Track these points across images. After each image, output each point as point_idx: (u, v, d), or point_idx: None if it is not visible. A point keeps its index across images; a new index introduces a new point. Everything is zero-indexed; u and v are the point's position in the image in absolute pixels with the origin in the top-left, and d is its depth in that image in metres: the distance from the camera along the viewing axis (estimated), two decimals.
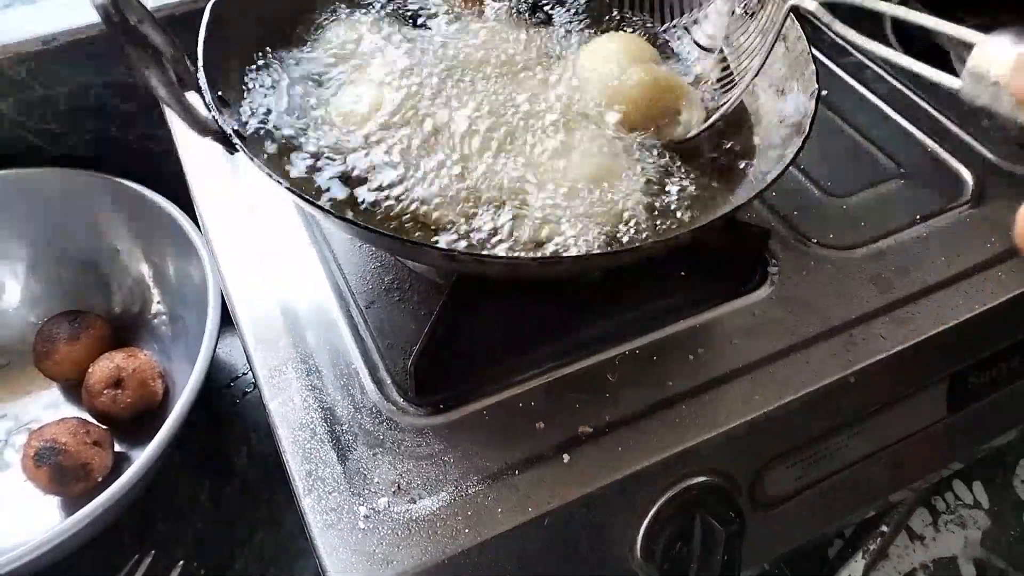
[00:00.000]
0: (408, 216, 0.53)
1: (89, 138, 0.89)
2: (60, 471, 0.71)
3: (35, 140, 0.87)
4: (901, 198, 0.71)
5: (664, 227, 0.55)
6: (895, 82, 0.82)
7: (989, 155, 0.75)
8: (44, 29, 0.81)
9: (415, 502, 0.50)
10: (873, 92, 0.81)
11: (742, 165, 0.60)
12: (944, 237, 0.68)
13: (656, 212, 0.55)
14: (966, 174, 0.73)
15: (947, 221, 0.69)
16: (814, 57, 0.82)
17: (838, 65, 0.84)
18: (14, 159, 0.86)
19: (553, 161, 0.56)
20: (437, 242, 0.51)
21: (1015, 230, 0.32)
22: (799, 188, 0.71)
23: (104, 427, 0.76)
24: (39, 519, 0.73)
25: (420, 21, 0.67)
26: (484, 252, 0.49)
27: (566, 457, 0.53)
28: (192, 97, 0.51)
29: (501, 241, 0.52)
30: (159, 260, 0.86)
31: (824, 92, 0.80)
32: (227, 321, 0.66)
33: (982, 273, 0.65)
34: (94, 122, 0.88)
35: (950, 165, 0.74)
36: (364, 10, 0.67)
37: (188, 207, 0.74)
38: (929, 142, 0.76)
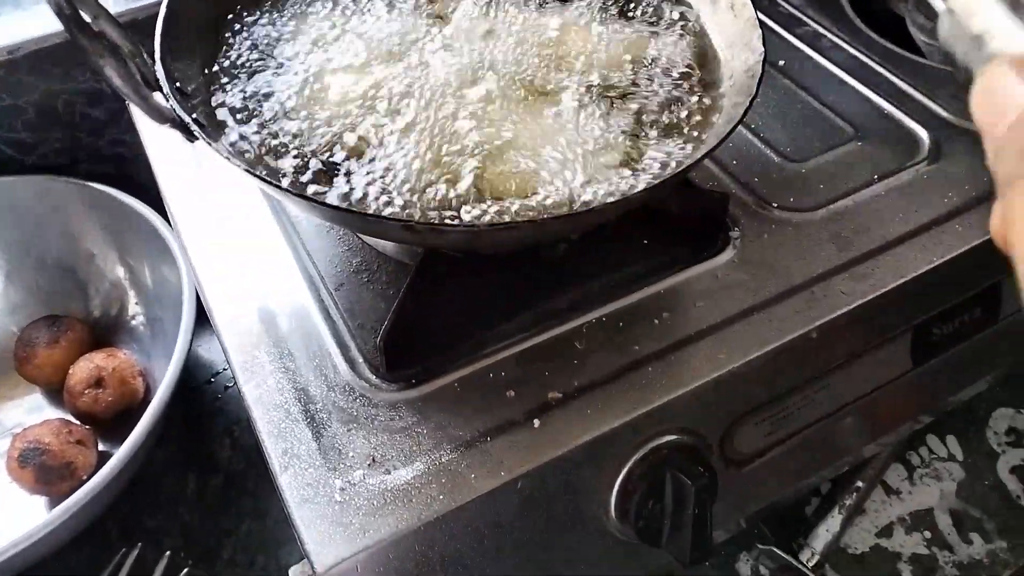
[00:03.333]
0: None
1: (60, 146, 0.90)
2: (45, 471, 0.72)
3: (6, 150, 0.87)
4: (859, 160, 0.72)
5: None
6: (851, 49, 0.83)
7: (944, 114, 0.76)
8: (8, 40, 0.81)
9: (390, 473, 0.51)
10: (829, 59, 0.82)
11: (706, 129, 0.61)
12: (902, 194, 0.69)
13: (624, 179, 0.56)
14: (922, 133, 0.74)
15: (904, 179, 0.70)
16: (768, 27, 0.85)
17: (794, 35, 0.85)
18: None
19: (520, 126, 0.57)
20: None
21: (991, 226, 0.31)
22: (758, 155, 0.73)
23: (87, 427, 0.77)
24: (26, 520, 0.73)
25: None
26: (439, 221, 0.49)
27: (536, 422, 0.54)
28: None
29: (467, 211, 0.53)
30: (135, 262, 0.87)
31: (781, 62, 0.82)
32: (205, 320, 0.67)
33: (940, 227, 0.66)
34: (64, 130, 0.89)
35: (906, 125, 0.75)
36: None
37: (162, 209, 0.75)
38: (885, 104, 0.77)
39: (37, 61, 0.83)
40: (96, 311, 0.89)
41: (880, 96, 0.78)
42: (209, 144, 0.49)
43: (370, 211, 0.50)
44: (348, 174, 0.54)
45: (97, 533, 0.73)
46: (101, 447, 0.78)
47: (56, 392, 0.82)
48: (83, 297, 0.89)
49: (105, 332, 0.87)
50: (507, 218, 0.50)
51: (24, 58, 0.82)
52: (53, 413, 0.82)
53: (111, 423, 0.78)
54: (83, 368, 0.78)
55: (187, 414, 0.83)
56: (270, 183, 0.48)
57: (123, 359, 0.80)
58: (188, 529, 0.75)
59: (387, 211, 0.51)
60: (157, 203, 0.75)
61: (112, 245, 0.87)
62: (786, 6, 0.89)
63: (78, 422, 0.78)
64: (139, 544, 0.71)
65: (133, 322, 0.87)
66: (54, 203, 0.87)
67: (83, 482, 0.72)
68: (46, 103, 0.86)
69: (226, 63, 0.61)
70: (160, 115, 0.49)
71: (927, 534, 0.78)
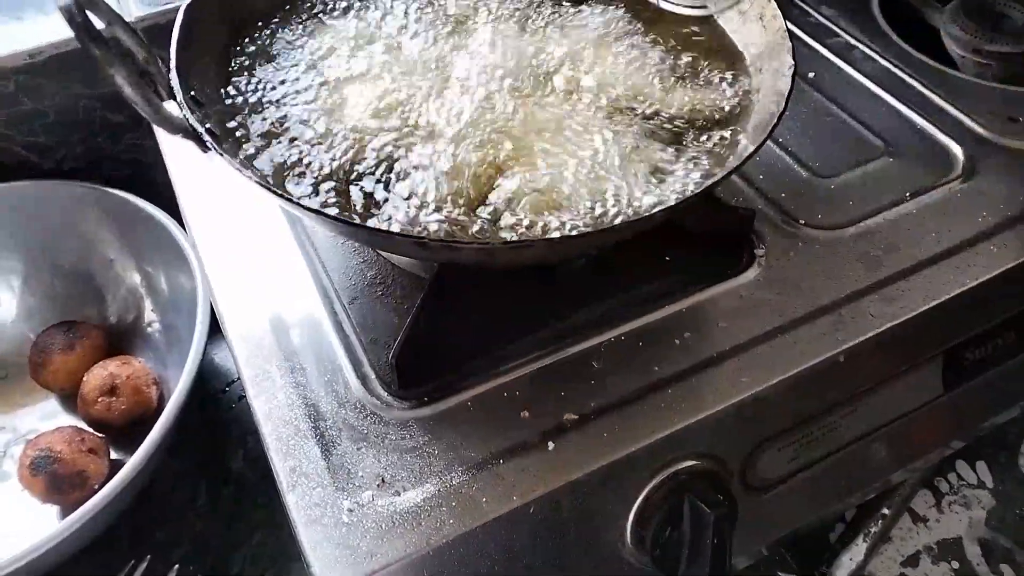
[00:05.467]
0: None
1: (79, 150, 0.89)
2: (56, 479, 0.71)
3: (25, 154, 0.87)
4: (890, 176, 0.70)
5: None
6: (883, 61, 0.81)
7: (979, 129, 0.74)
8: (30, 44, 0.81)
9: (399, 494, 0.50)
10: (860, 72, 0.80)
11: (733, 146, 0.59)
12: (934, 213, 0.67)
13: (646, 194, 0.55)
14: (956, 149, 0.72)
15: (937, 197, 0.68)
16: (798, 38, 0.83)
17: (824, 46, 0.83)
18: (5, 173, 0.86)
19: (545, 143, 0.55)
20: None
21: None
22: (786, 169, 0.71)
23: (100, 435, 0.77)
24: (37, 529, 0.72)
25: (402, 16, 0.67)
26: (453, 238, 0.48)
27: (551, 445, 0.52)
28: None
29: (485, 228, 0.52)
30: (151, 269, 0.86)
31: (811, 74, 0.80)
32: (220, 328, 0.66)
33: (973, 248, 0.64)
34: (83, 134, 0.89)
35: (939, 141, 0.73)
36: (344, 5, 0.67)
37: (179, 216, 0.74)
38: (918, 119, 0.75)
39: (59, 66, 0.83)
40: (112, 317, 0.88)
41: (913, 110, 0.76)
42: (221, 155, 0.48)
43: (383, 227, 0.48)
44: (364, 187, 0.53)
45: (108, 543, 0.72)
46: (114, 455, 0.77)
47: (71, 399, 0.81)
48: (99, 303, 0.88)
49: (121, 339, 0.87)
50: (523, 231, 0.49)
51: (46, 62, 0.82)
52: (67, 420, 0.82)
53: (124, 431, 0.77)
54: (97, 375, 0.77)
55: (201, 423, 0.82)
56: (282, 196, 0.47)
57: (137, 367, 0.79)
58: (199, 540, 0.74)
59: (405, 226, 0.50)
60: (175, 209, 0.74)
61: (129, 251, 0.87)
62: (816, 16, 0.87)
63: (91, 430, 0.77)
64: (148, 556, 0.71)
65: (149, 329, 0.87)
66: (72, 208, 0.86)
67: (95, 491, 0.72)
68: (67, 107, 0.86)
69: (243, 72, 0.60)
70: (172, 125, 0.48)
71: (955, 564, 0.75)
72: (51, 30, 0.83)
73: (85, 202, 0.86)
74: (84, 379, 0.78)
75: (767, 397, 0.55)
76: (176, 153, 0.73)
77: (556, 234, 0.49)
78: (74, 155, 0.89)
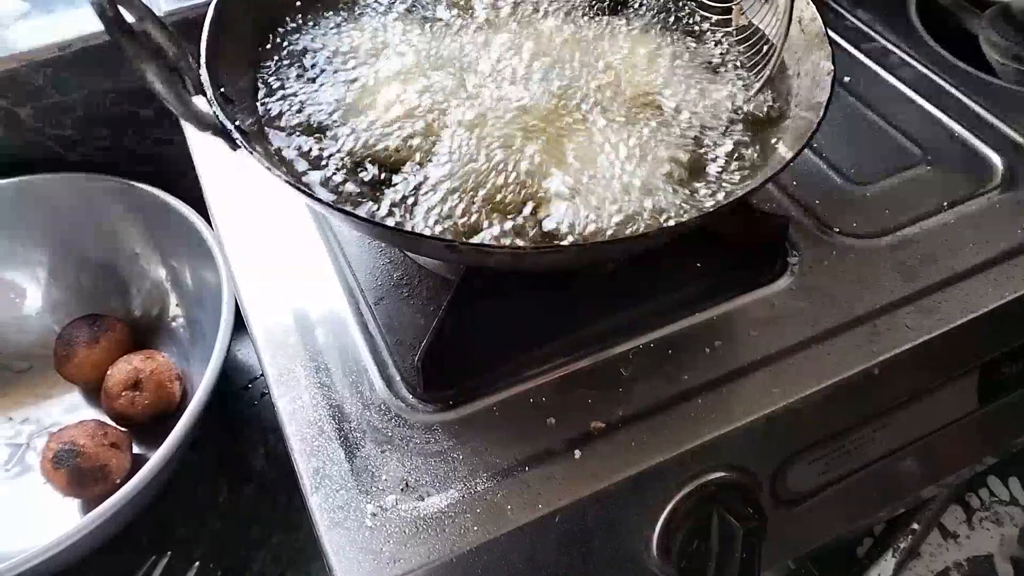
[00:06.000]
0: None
1: (106, 144, 0.90)
2: (78, 473, 0.71)
3: (53, 147, 0.88)
4: (927, 184, 0.69)
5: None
6: (920, 67, 0.80)
7: (1020, 138, 0.72)
8: (58, 36, 0.81)
9: (423, 499, 0.49)
10: (897, 77, 0.78)
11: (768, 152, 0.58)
12: (972, 223, 0.65)
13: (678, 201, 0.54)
14: (995, 158, 0.70)
15: (976, 207, 0.67)
16: (835, 42, 0.81)
17: (860, 51, 0.82)
18: (33, 166, 0.87)
19: (574, 142, 0.55)
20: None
21: None
22: (821, 176, 0.69)
23: (123, 429, 0.77)
24: (59, 522, 0.73)
25: (431, 15, 0.66)
26: (484, 242, 0.47)
27: (578, 453, 0.51)
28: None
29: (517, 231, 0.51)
30: (176, 263, 0.86)
31: (847, 79, 0.79)
32: (244, 323, 0.66)
33: (1013, 260, 0.62)
34: (110, 128, 0.89)
35: (978, 149, 0.71)
36: (375, 3, 0.66)
37: (205, 211, 0.74)
38: (956, 127, 0.73)
39: (87, 59, 0.83)
40: (137, 311, 0.88)
41: (951, 117, 0.74)
42: (251, 153, 0.48)
43: (414, 229, 0.48)
44: (395, 187, 0.52)
45: (128, 539, 0.72)
46: (136, 450, 0.77)
47: (95, 392, 0.82)
48: (124, 297, 0.88)
49: (146, 333, 0.87)
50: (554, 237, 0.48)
51: (74, 55, 0.82)
52: (91, 413, 0.82)
53: (147, 426, 0.78)
54: (121, 370, 0.77)
55: (222, 419, 0.82)
56: (312, 196, 0.47)
57: (161, 361, 0.79)
58: (219, 538, 0.74)
59: (434, 228, 0.49)
60: (200, 204, 0.74)
61: (154, 245, 0.87)
62: (853, 20, 0.86)
63: (114, 424, 0.77)
64: (168, 553, 0.71)
65: (173, 324, 0.87)
66: (98, 202, 0.87)
67: (116, 485, 0.72)
68: (94, 101, 0.86)
69: (273, 69, 0.60)
70: (201, 122, 0.48)
71: None
72: (80, 23, 0.83)
73: (111, 196, 0.86)
74: (108, 373, 0.78)
75: (798, 409, 0.54)
76: (204, 149, 0.73)
77: (587, 240, 0.48)
78: (101, 149, 0.89)
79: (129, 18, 0.48)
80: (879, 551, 0.74)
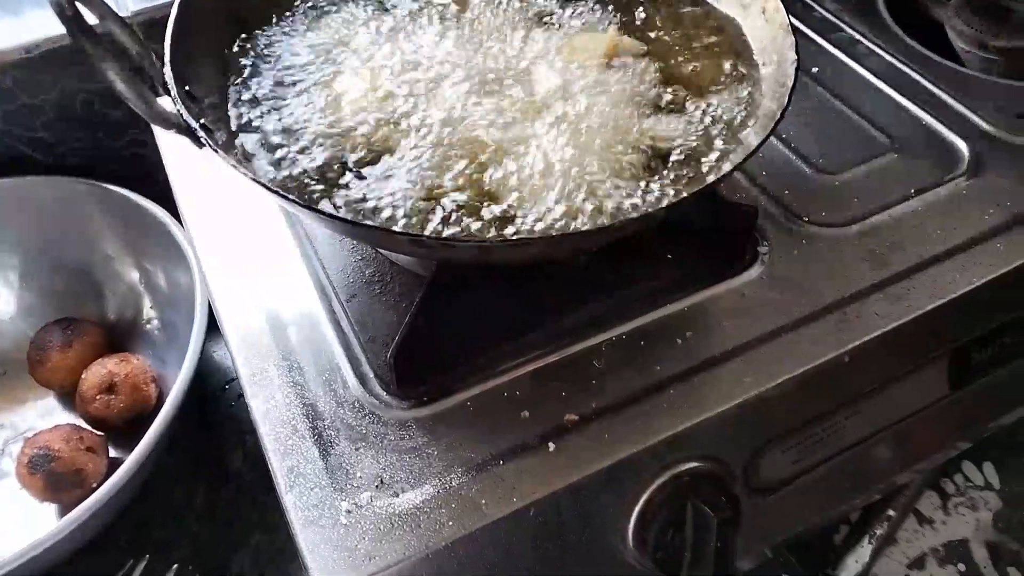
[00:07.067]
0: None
1: (79, 146, 0.89)
2: (54, 478, 0.71)
3: (25, 149, 0.87)
4: (895, 173, 0.69)
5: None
6: (888, 56, 0.80)
7: (985, 126, 0.73)
8: (26, 38, 0.81)
9: (398, 496, 0.49)
10: (865, 67, 0.79)
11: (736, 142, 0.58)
12: (940, 210, 0.66)
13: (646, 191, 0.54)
14: (962, 145, 0.71)
15: (943, 194, 0.67)
16: (802, 33, 0.82)
17: (828, 41, 0.82)
18: (5, 169, 0.86)
19: (537, 133, 0.55)
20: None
21: None
22: (790, 166, 0.70)
23: (98, 433, 0.76)
24: (35, 527, 0.72)
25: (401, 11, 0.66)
26: (449, 235, 0.47)
27: (552, 446, 0.51)
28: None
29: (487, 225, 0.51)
30: (150, 265, 0.86)
31: (815, 69, 0.79)
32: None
33: (980, 245, 0.63)
34: (83, 130, 0.88)
35: (945, 137, 0.72)
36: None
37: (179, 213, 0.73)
38: (923, 115, 0.74)
39: (56, 60, 0.82)
40: (112, 314, 0.88)
41: (918, 106, 0.75)
42: (215, 152, 0.48)
43: (378, 224, 0.48)
44: (362, 184, 0.52)
45: (106, 543, 0.72)
46: (112, 454, 0.77)
47: (70, 396, 0.81)
48: (99, 300, 0.88)
49: (120, 336, 0.86)
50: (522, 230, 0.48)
51: (42, 57, 0.81)
52: (66, 417, 0.81)
53: (123, 429, 0.77)
54: (95, 373, 0.77)
55: (200, 421, 0.81)
56: (277, 193, 0.46)
57: (136, 364, 0.79)
58: (197, 540, 0.74)
59: (400, 223, 0.49)
60: (175, 206, 0.73)
61: (128, 248, 0.86)
62: (820, 10, 0.86)
63: (90, 428, 0.77)
64: (147, 556, 0.70)
65: (148, 326, 0.86)
66: (71, 204, 0.86)
67: (93, 490, 0.71)
68: (65, 103, 0.85)
69: (241, 67, 0.60)
70: (166, 121, 0.48)
71: (961, 567, 0.74)
72: (49, 25, 0.82)
73: (84, 198, 0.86)
74: (83, 377, 0.78)
75: (770, 398, 0.54)
76: (173, 149, 0.72)
77: (555, 232, 0.49)
78: (75, 151, 0.89)
79: (91, 19, 0.48)
80: (856, 538, 0.75)
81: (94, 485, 0.73)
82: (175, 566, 0.70)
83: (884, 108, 0.75)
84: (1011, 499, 0.79)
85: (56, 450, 0.71)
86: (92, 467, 0.73)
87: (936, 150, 0.71)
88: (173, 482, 0.77)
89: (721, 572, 0.51)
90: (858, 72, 0.79)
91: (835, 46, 0.82)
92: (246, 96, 0.57)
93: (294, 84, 0.59)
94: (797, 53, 0.55)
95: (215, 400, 0.84)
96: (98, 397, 0.76)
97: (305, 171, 0.53)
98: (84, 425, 0.77)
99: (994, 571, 0.74)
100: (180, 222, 0.78)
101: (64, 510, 0.73)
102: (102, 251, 0.87)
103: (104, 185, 0.85)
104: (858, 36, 0.83)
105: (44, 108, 0.85)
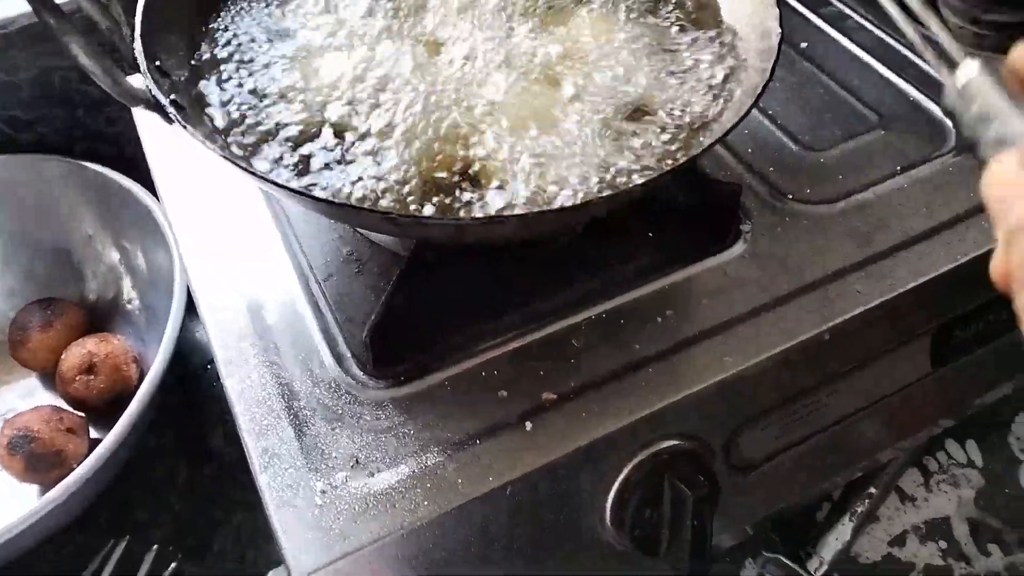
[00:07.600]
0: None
1: (58, 124, 0.88)
2: (34, 458, 0.70)
3: (3, 128, 0.86)
4: (882, 149, 0.68)
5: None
6: (877, 31, 0.79)
7: None
8: (2, 15, 0.79)
9: (373, 476, 0.49)
10: (854, 41, 0.78)
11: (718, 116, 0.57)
12: (926, 187, 0.65)
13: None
14: (949, 122, 0.70)
15: (930, 171, 0.67)
16: (790, 6, 0.81)
17: (817, 15, 0.81)
18: None
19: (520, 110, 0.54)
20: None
21: (993, 267, 0.31)
22: (775, 142, 0.69)
23: (79, 414, 0.76)
24: (15, 508, 0.72)
25: None
26: (426, 215, 0.47)
27: (529, 425, 0.51)
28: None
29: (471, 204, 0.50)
30: (130, 245, 0.85)
31: (803, 44, 0.78)
32: None
33: (965, 223, 0.62)
34: (61, 108, 0.87)
35: (933, 114, 0.71)
36: None
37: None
38: (912, 91, 0.73)
39: (31, 36, 0.81)
40: (92, 295, 0.87)
41: (907, 82, 0.74)
42: (185, 128, 0.47)
43: (351, 202, 0.47)
44: (338, 161, 0.51)
45: (86, 523, 0.71)
46: (93, 434, 0.76)
47: (51, 377, 0.80)
48: (79, 281, 0.87)
49: (102, 317, 0.86)
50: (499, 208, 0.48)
51: (18, 33, 0.80)
52: (47, 398, 0.81)
53: (104, 410, 0.76)
54: (75, 354, 0.76)
55: (182, 401, 0.81)
56: (248, 170, 0.46)
57: (116, 344, 0.78)
58: (179, 520, 0.73)
59: (376, 202, 0.48)
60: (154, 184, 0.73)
61: (108, 228, 0.85)
62: None
63: (71, 408, 0.76)
64: (127, 536, 0.70)
65: (129, 306, 0.85)
66: (50, 184, 0.85)
67: (73, 470, 0.71)
68: (42, 81, 0.84)
69: (212, 41, 0.59)
70: (133, 97, 0.47)
71: (943, 544, 0.74)
72: (24, 1, 0.80)
73: (63, 177, 0.84)
74: (62, 357, 0.77)
75: (750, 376, 0.54)
76: (149, 126, 0.71)
77: (531, 211, 0.48)
78: (54, 129, 0.88)
79: None
80: (837, 515, 0.75)
81: (74, 466, 0.72)
82: (156, 546, 0.70)
83: (872, 84, 0.74)
84: (993, 477, 0.79)
85: (36, 431, 0.71)
86: (72, 448, 0.72)
87: (924, 127, 0.70)
88: (154, 461, 0.77)
89: (699, 549, 0.50)
90: (847, 47, 0.78)
91: (824, 20, 0.81)
92: (219, 70, 0.56)
93: (267, 59, 0.58)
94: (782, 26, 0.54)
95: (196, 379, 0.83)
96: (78, 378, 0.76)
97: (279, 147, 0.52)
98: (65, 406, 0.76)
99: (975, 548, 0.75)
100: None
101: (45, 491, 0.73)
102: (82, 231, 0.86)
103: (83, 164, 0.84)
104: (847, 10, 0.82)
105: (21, 86, 0.84)
